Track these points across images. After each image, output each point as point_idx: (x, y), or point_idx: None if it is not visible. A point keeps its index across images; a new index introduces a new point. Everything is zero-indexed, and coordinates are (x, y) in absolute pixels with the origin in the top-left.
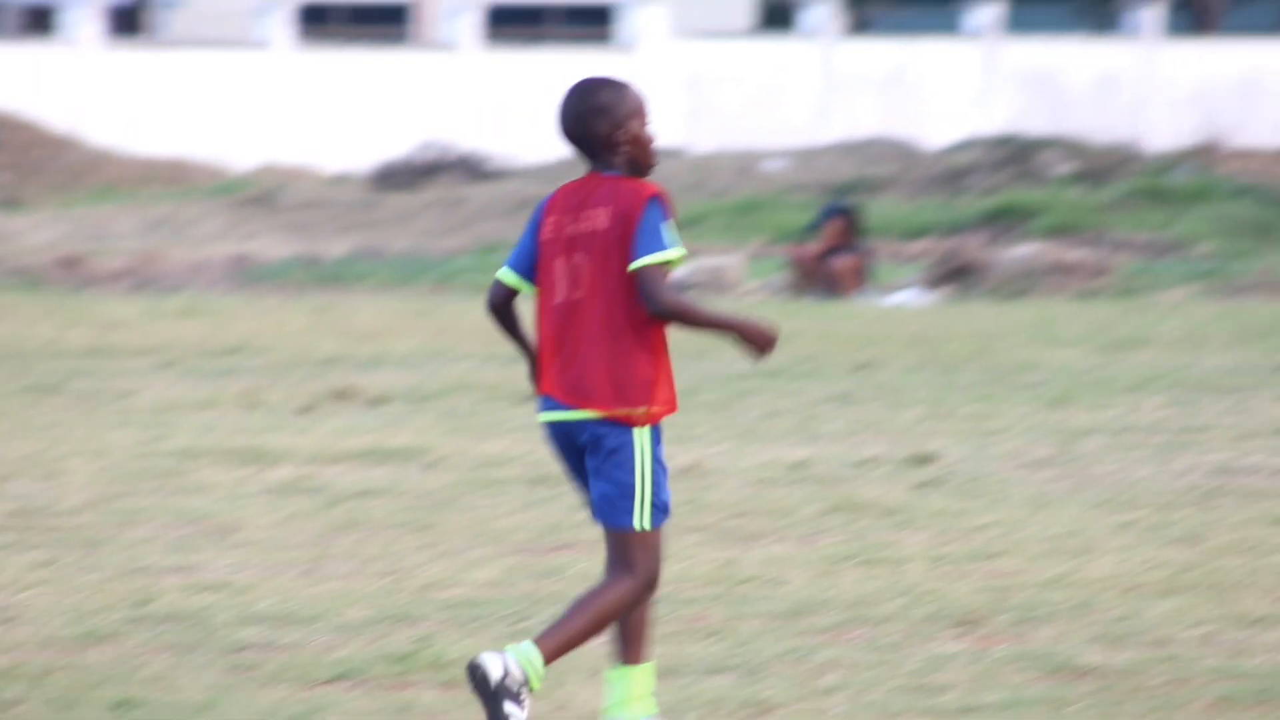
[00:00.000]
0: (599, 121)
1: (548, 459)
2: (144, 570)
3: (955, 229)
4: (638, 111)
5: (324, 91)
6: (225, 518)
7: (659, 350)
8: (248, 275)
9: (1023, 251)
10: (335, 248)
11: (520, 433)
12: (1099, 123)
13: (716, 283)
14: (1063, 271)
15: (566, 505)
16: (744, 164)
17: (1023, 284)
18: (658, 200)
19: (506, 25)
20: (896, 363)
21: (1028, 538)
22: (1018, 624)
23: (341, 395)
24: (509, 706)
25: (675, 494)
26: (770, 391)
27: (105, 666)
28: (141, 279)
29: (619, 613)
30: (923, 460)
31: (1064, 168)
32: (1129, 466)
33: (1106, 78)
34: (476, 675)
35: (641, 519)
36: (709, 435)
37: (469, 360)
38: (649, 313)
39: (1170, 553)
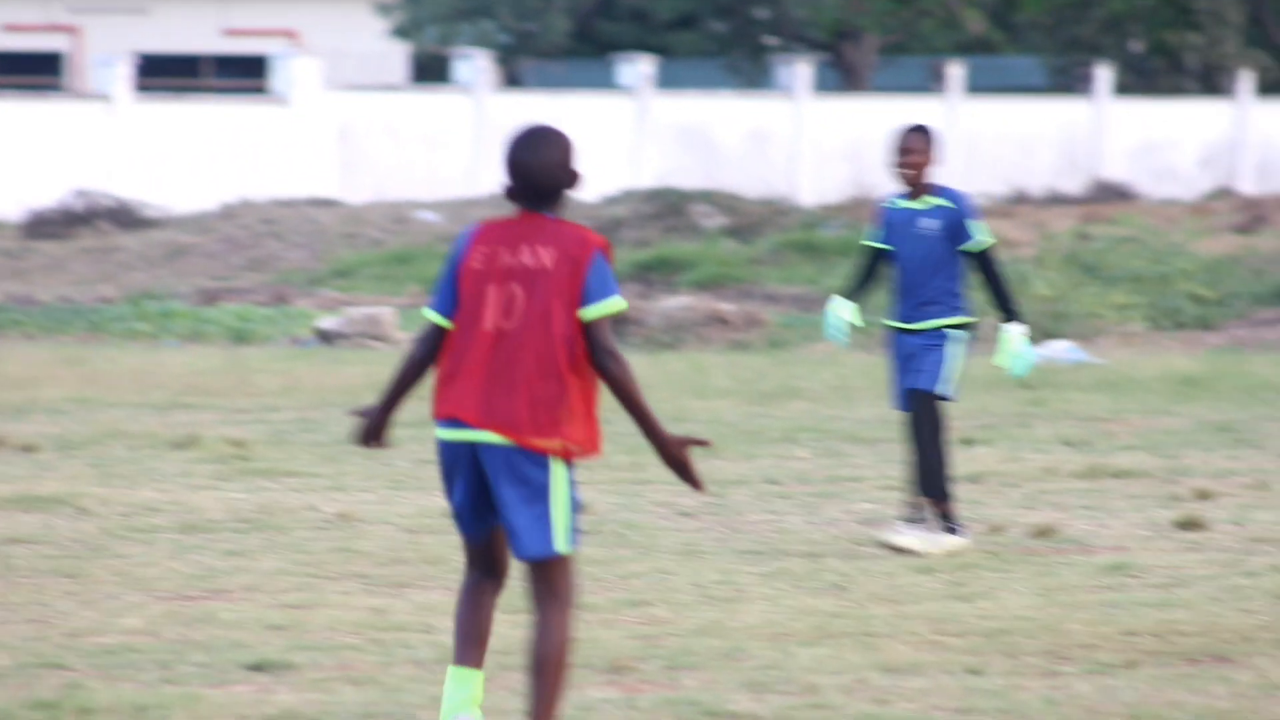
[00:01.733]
0: (565, 175)
1: (199, 506)
2: None
3: None
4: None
5: None
6: None
7: (589, 391)
8: None
9: (675, 303)
10: None
11: (171, 480)
12: (751, 177)
13: (371, 333)
14: (715, 323)
15: (216, 552)
16: (398, 215)
17: (675, 335)
18: (604, 251)
19: (161, 75)
20: None
21: (678, 586)
22: (668, 671)
23: None
24: None
25: (324, 543)
26: (421, 440)
27: None
28: None
29: (571, 643)
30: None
31: (716, 221)
32: (778, 516)
33: (758, 133)
34: None
35: (562, 542)
36: (360, 483)
37: (120, 408)
38: (595, 357)
39: (818, 601)
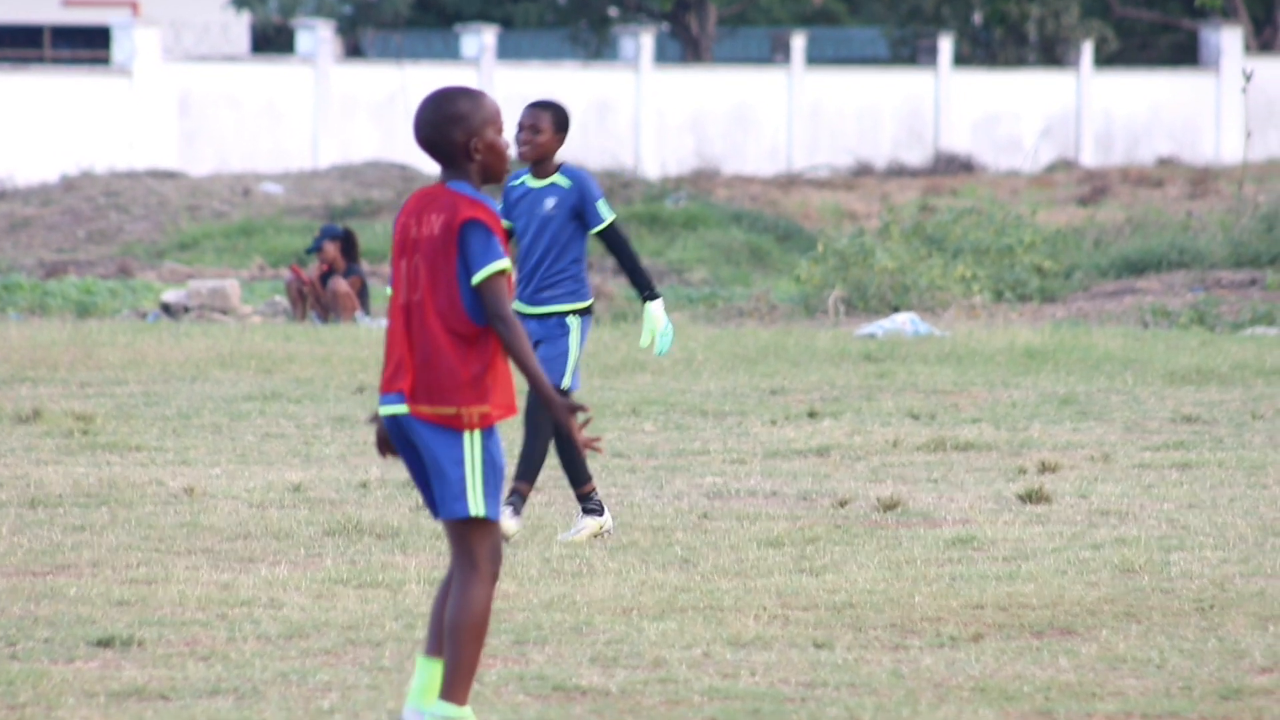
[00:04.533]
0: (454, 129)
1: (44, 481)
2: None
3: None
4: (492, 120)
5: None
6: None
7: (492, 355)
8: None
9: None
10: None
11: (15, 454)
12: (595, 149)
13: (216, 305)
14: None
15: (61, 527)
16: (241, 186)
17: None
18: (479, 218)
19: (1, 46)
20: None
21: (525, 560)
22: (515, 645)
23: None
24: None
25: (170, 518)
26: (269, 414)
27: None
28: None
29: (486, 612)
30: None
31: None
32: (625, 489)
33: (601, 105)
34: None
35: (475, 506)
36: (206, 458)
37: None
38: (482, 320)
39: (666, 575)
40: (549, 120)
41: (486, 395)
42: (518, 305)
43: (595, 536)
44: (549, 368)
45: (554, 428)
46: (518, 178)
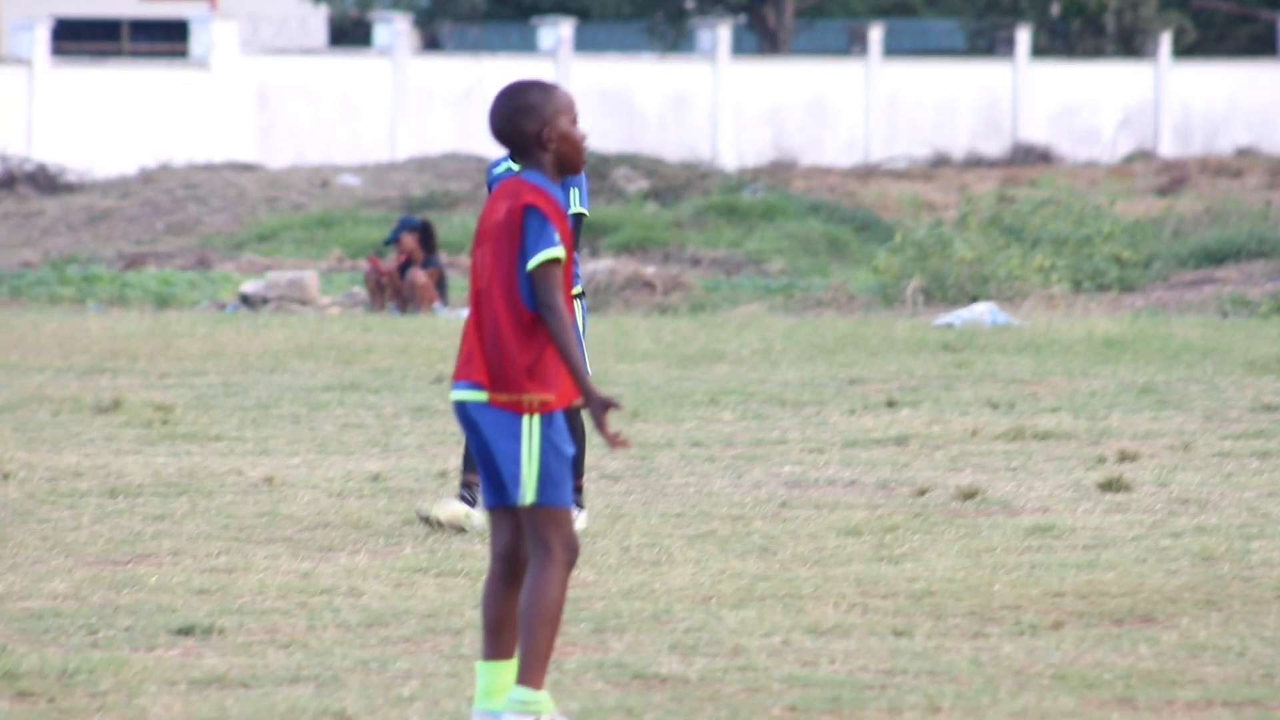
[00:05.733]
0: (527, 120)
1: (124, 471)
2: None
3: None
4: (565, 110)
5: None
6: None
7: (547, 344)
8: None
9: (599, 266)
10: None
11: (96, 445)
12: (672, 141)
13: (294, 296)
14: (638, 287)
15: (142, 516)
16: (319, 178)
17: (599, 299)
18: (536, 204)
19: (80, 39)
20: None
21: (604, 549)
22: (595, 633)
23: None
24: None
25: (249, 507)
26: (348, 404)
27: None
28: None
29: (560, 598)
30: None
31: (638, 185)
32: (704, 478)
33: (678, 97)
34: None
35: (534, 493)
36: (285, 448)
37: (43, 373)
38: (534, 307)
39: (745, 563)
40: None
41: (547, 383)
42: None
43: (451, 521)
44: None
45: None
46: (499, 164)
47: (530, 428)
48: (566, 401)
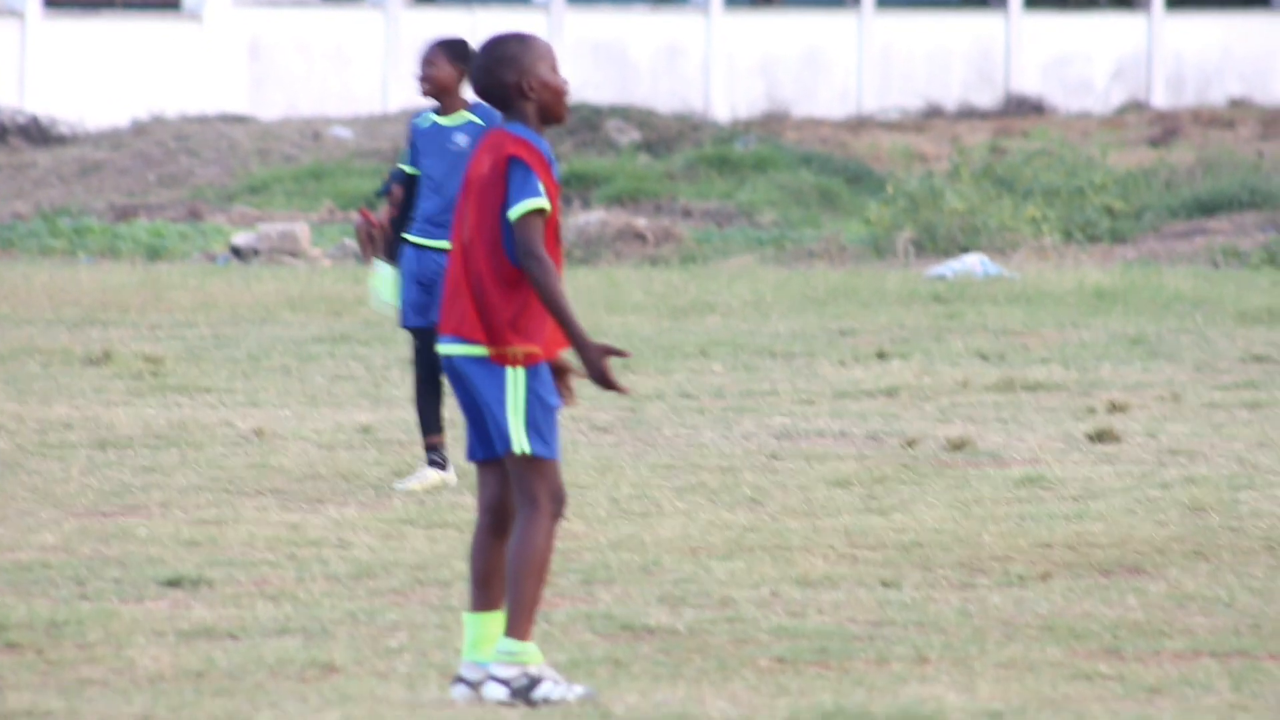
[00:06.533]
0: (506, 71)
1: (114, 423)
2: None
3: None
4: (544, 57)
5: None
6: None
7: (531, 296)
8: None
9: (590, 218)
10: None
11: (85, 396)
12: (664, 92)
13: (286, 248)
14: (630, 238)
15: (131, 468)
16: (311, 130)
17: (590, 251)
18: (520, 155)
19: None
20: None
21: (593, 500)
22: (584, 585)
23: None
24: (539, 691)
25: (239, 459)
26: (338, 356)
27: None
28: None
29: (546, 550)
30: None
31: (630, 136)
32: (693, 430)
33: (671, 48)
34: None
35: (520, 443)
36: (276, 399)
37: (33, 324)
38: (519, 259)
39: (734, 515)
40: (443, 54)
41: (531, 334)
42: (422, 239)
43: (433, 490)
44: None
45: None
46: (424, 116)
47: (515, 380)
48: (552, 353)
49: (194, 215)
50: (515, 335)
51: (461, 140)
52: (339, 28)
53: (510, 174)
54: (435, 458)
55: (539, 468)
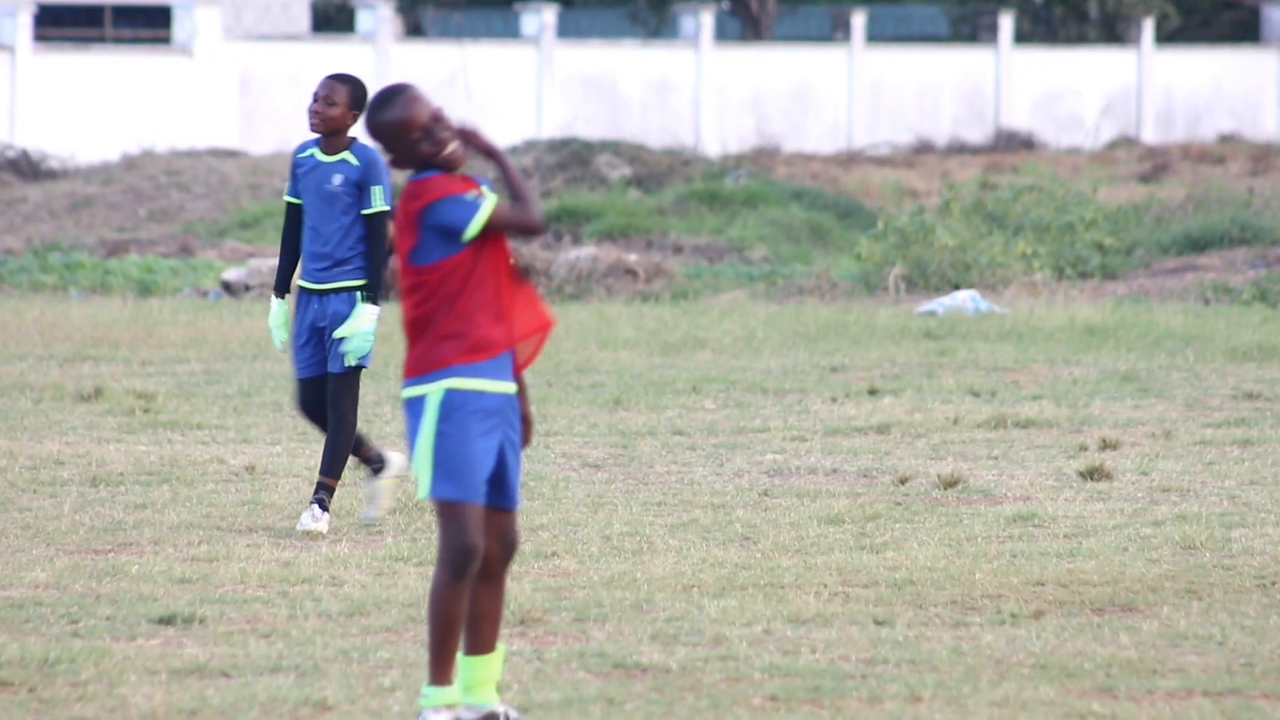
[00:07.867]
0: (384, 138)
1: (106, 459)
2: None
3: None
4: (420, 116)
5: None
6: None
7: (443, 328)
8: None
9: (581, 254)
10: None
11: (77, 433)
12: (655, 127)
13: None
14: (620, 274)
15: (124, 505)
16: None
17: (580, 286)
18: (432, 200)
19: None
20: None
21: (585, 538)
22: (576, 623)
23: None
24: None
25: (231, 495)
26: None
27: None
28: None
29: (445, 598)
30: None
31: (621, 171)
32: (685, 467)
33: (662, 83)
34: None
35: (422, 486)
36: (267, 436)
37: (24, 360)
38: (418, 304)
39: (726, 552)
40: (344, 94)
41: (444, 359)
42: (306, 282)
43: (394, 485)
44: (343, 359)
45: (351, 405)
46: (306, 149)
47: (427, 416)
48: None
49: (185, 250)
50: (428, 367)
51: (336, 180)
52: (330, 62)
53: (443, 215)
54: (377, 466)
55: (441, 511)
